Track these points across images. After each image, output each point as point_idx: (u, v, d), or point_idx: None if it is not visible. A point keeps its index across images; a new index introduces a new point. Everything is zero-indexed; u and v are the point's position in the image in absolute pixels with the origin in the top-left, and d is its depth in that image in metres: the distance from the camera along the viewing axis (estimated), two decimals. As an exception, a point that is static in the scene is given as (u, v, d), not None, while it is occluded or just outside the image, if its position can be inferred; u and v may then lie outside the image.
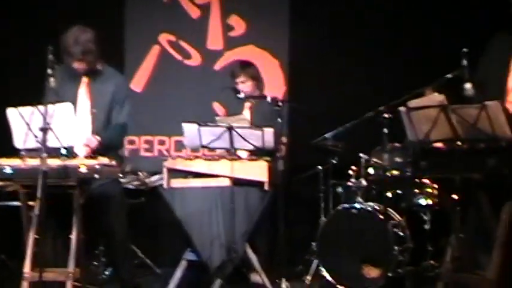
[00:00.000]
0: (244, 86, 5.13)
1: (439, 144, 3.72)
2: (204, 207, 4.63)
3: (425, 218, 4.97)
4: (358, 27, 5.81)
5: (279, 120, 4.85)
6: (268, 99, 5.00)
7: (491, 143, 3.49)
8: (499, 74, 3.85)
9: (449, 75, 3.81)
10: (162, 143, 6.04)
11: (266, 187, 4.64)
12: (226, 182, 4.62)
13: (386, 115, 4.23)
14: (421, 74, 4.22)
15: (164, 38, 6.03)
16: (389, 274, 4.57)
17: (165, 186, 4.70)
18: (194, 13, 6.05)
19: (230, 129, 4.62)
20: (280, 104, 4.91)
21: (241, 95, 4.94)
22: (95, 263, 5.12)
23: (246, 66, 5.25)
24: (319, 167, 5.28)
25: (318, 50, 5.85)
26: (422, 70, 5.07)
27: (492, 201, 3.67)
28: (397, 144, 4.86)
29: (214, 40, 6.01)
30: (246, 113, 5.16)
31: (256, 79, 5.18)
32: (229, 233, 4.54)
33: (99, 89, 4.37)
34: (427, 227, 4.95)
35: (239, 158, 4.69)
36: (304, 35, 5.86)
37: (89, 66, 4.31)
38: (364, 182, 5.04)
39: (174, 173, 4.74)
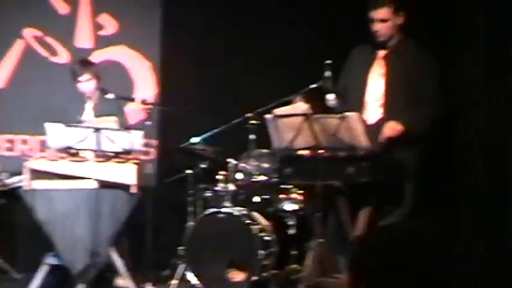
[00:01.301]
0: (89, 84, 5.00)
1: (304, 152, 3.83)
2: (68, 209, 4.51)
3: (290, 222, 5.10)
4: (233, 30, 5.81)
5: (149, 123, 4.81)
6: (139, 101, 4.95)
7: (350, 152, 3.64)
8: (359, 86, 4.02)
9: (313, 86, 3.93)
10: (24, 142, 5.77)
11: (133, 190, 4.58)
12: (92, 185, 4.51)
13: (253, 121, 4.29)
14: (294, 81, 4.29)
15: (29, 32, 5.77)
16: (254, 278, 4.64)
17: (26, 187, 4.52)
18: (62, 8, 5.82)
19: (97, 130, 4.52)
20: (150, 106, 4.89)
21: (110, 96, 4.83)
22: None
23: (89, 65, 5.12)
24: (188, 171, 5.27)
25: (191, 52, 5.80)
26: (294, 77, 5.13)
27: (350, 207, 3.83)
28: (264, 151, 4.94)
29: (83, 38, 5.82)
30: (89, 114, 5.03)
31: (99, 78, 5.06)
32: (94, 237, 4.46)
33: None
34: (291, 231, 5.08)
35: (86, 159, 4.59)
36: (176, 36, 5.81)
37: None
38: (232, 187, 5.08)
39: (38, 174, 4.56)
